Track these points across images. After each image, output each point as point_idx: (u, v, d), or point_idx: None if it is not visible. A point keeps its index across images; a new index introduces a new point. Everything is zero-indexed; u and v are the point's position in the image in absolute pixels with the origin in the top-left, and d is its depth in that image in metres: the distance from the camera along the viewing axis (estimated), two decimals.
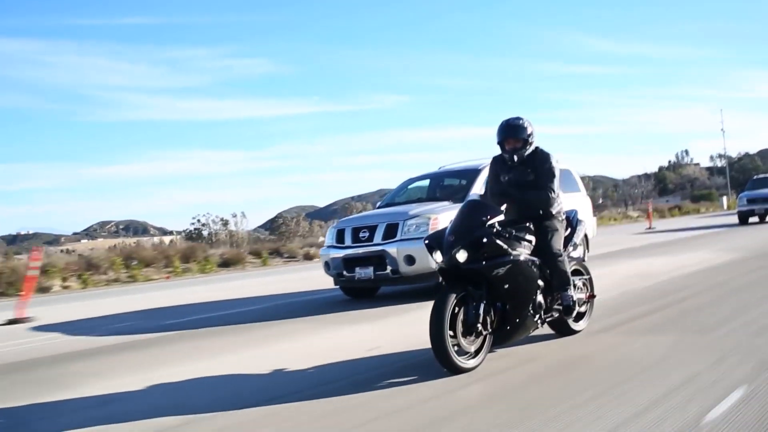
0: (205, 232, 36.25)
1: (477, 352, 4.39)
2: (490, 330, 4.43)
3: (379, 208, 9.81)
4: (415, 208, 8.57)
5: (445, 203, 8.75)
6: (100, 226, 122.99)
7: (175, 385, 4.70)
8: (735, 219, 22.13)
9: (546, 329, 5.11)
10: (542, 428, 3.12)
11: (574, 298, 4.93)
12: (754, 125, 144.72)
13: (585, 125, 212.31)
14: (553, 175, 4.87)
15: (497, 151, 5.09)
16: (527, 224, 4.75)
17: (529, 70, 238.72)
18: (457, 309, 4.30)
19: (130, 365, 5.71)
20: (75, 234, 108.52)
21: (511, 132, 4.89)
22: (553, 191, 4.82)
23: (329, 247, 8.89)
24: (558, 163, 5.02)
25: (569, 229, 5.15)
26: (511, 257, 4.44)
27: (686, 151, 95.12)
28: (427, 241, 4.61)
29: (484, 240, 4.34)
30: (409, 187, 10.24)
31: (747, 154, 75.30)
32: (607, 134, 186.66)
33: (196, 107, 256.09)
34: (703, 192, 54.10)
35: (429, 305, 4.35)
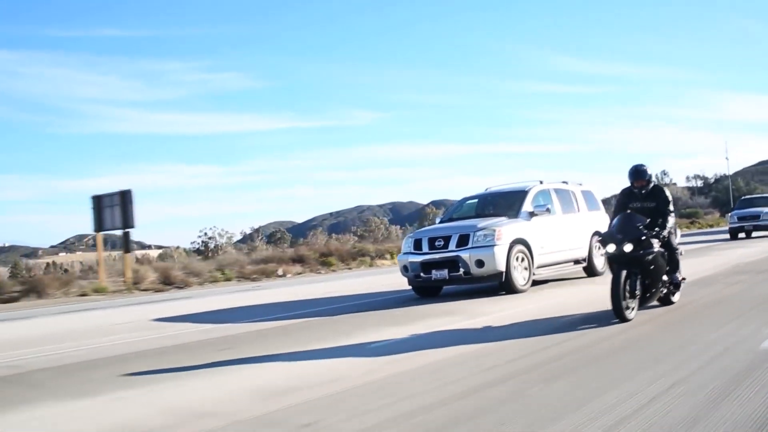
0: (211, 245, 37.95)
1: (632, 309, 6.84)
2: (639, 296, 6.91)
3: (441, 222, 11.84)
4: (480, 222, 10.60)
5: (503, 218, 10.82)
6: (78, 239, 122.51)
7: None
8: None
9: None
10: (690, 347, 5.33)
11: (680, 278, 7.52)
12: (720, 145, 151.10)
13: (557, 143, 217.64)
14: (669, 202, 7.42)
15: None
16: (655, 230, 7.14)
17: (503, 87, 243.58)
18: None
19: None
20: (52, 247, 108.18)
21: (639, 176, 7.49)
22: (672, 213, 7.37)
23: (407, 253, 10.87)
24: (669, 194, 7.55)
25: None
26: (655, 249, 6.94)
27: (665, 172, 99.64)
28: (600, 238, 7.31)
29: (643, 237, 6.86)
30: (463, 205, 12.33)
31: (725, 176, 79.82)
32: (579, 152, 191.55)
33: (169, 120, 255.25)
34: (690, 211, 57.75)
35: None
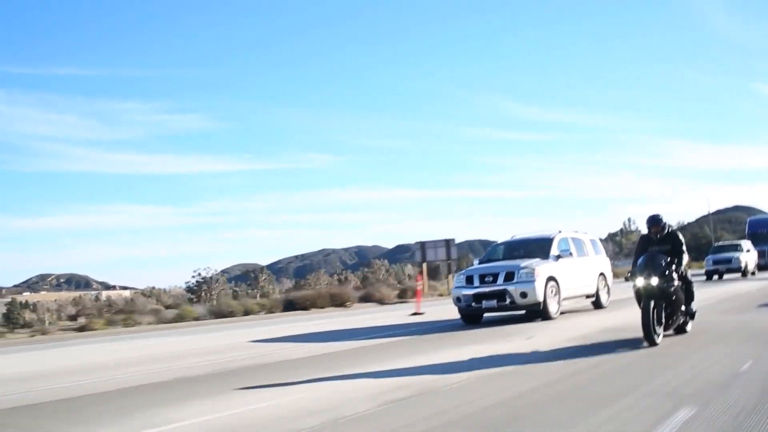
0: (204, 286, 39.32)
1: (659, 335, 7.99)
2: (664, 323, 8.09)
3: (480, 263, 14.37)
4: (522, 262, 13.17)
5: (536, 259, 13.41)
6: (41, 278, 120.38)
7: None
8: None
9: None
10: (706, 355, 7.50)
11: (693, 309, 8.87)
12: (671, 192, 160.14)
13: (513, 189, 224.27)
14: (683, 243, 8.63)
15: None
16: (673, 267, 8.24)
17: (459, 133, 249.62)
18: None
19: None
20: (16, 286, 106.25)
21: (655, 223, 8.66)
22: (685, 252, 8.56)
23: (460, 287, 13.34)
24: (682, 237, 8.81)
25: None
26: (675, 282, 8.16)
27: (629, 219, 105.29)
28: (629, 274, 8.45)
29: (666, 272, 8.03)
30: (496, 249, 14.98)
31: (689, 223, 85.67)
32: (535, 198, 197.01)
33: (126, 161, 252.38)
34: None
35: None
